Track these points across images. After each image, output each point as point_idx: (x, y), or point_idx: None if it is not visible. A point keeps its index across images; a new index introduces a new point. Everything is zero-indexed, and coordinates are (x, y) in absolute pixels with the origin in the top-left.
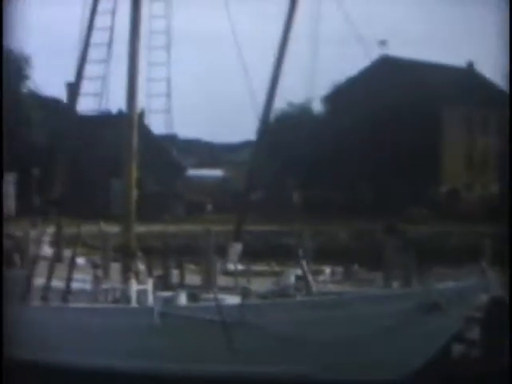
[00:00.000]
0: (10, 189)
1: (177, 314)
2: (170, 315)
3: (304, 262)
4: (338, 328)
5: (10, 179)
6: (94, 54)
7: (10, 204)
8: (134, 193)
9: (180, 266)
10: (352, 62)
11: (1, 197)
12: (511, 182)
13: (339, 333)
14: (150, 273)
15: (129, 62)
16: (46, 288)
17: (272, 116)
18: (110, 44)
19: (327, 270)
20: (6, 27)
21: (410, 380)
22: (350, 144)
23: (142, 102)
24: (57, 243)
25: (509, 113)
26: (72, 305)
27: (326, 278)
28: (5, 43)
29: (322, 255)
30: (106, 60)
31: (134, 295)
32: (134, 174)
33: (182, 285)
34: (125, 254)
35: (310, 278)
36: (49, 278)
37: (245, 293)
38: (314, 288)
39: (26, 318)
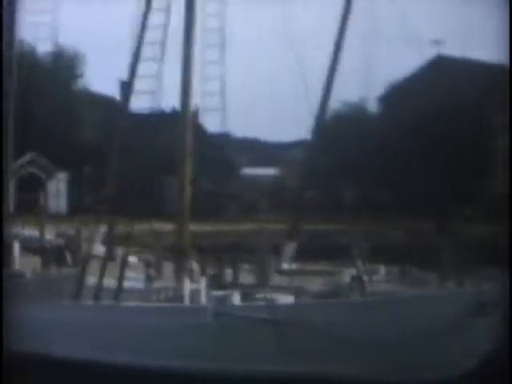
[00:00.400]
0: (62, 187)
1: (230, 313)
2: (223, 314)
3: (358, 262)
4: (391, 328)
5: (62, 178)
6: (147, 51)
7: (62, 203)
8: (188, 191)
9: (234, 265)
10: (407, 62)
11: (1, 196)
12: (511, 182)
13: (392, 333)
14: (203, 272)
15: (183, 60)
16: (98, 287)
17: (327, 114)
18: (163, 42)
19: (382, 269)
20: (53, 26)
21: (461, 381)
22: (404, 143)
23: (196, 100)
24: (109, 242)
25: (509, 112)
26: (124, 304)
27: (381, 278)
28: (54, 42)
29: (377, 255)
30: (160, 58)
31: (187, 294)
32: (188, 172)
33: (235, 284)
34: (178, 252)
35: (364, 277)
36: (101, 276)
37: (298, 292)
38: (368, 288)
39: (78, 317)
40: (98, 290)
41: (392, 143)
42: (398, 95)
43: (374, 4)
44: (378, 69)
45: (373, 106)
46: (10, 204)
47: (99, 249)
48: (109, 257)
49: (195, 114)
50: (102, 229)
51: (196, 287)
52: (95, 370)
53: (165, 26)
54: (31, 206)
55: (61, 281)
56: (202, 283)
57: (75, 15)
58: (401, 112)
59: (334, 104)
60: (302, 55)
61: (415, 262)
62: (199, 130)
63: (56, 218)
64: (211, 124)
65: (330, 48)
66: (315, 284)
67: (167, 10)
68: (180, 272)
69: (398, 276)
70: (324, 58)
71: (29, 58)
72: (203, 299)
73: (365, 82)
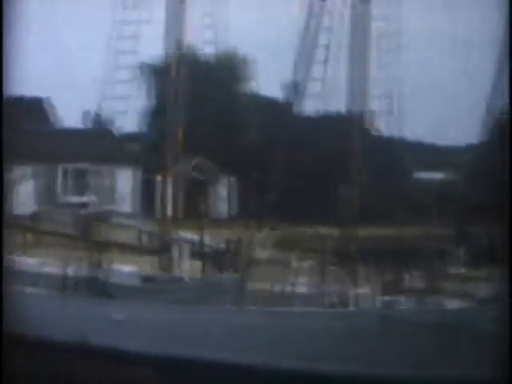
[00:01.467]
0: (225, 191)
1: (398, 317)
2: (390, 319)
3: None
4: None
5: (225, 181)
6: (317, 54)
7: (225, 207)
8: (356, 195)
9: (401, 270)
10: None
11: (1, 195)
12: (511, 183)
13: None
14: (370, 276)
15: (353, 63)
16: (259, 290)
17: (495, 117)
18: (332, 45)
19: None
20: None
21: None
22: None
23: (367, 103)
24: (273, 246)
25: (509, 114)
26: (288, 308)
27: None
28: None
29: None
30: (329, 61)
31: (353, 299)
32: (357, 175)
33: (403, 288)
34: (345, 257)
35: None
36: (261, 280)
37: (467, 297)
38: None
39: (240, 321)
40: (258, 294)
41: None
42: None
43: None
44: None
45: None
46: (173, 208)
47: (262, 253)
48: (272, 261)
49: (365, 117)
50: (266, 233)
51: (363, 292)
52: (258, 375)
53: (334, 29)
54: (194, 210)
55: (222, 285)
56: (370, 288)
57: (241, 17)
58: None
59: (502, 107)
60: (471, 57)
61: None
62: (369, 133)
63: (218, 222)
64: (381, 127)
65: (496, 49)
66: (483, 289)
67: (336, 13)
68: (347, 277)
69: None
70: (492, 59)
71: (194, 60)
72: (370, 304)
73: None
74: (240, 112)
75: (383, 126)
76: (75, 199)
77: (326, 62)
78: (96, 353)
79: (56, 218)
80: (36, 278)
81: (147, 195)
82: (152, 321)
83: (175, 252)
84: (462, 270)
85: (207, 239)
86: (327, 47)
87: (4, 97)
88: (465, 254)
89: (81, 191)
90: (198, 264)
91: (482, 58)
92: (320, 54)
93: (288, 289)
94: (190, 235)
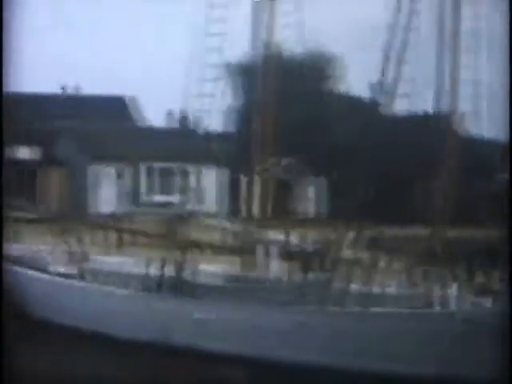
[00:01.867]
0: (311, 191)
1: (480, 319)
2: (473, 321)
3: None
4: None
5: (311, 181)
6: (402, 54)
7: (312, 207)
8: (446, 195)
9: (485, 271)
10: None
11: (0, 196)
12: (511, 182)
13: None
14: (454, 277)
15: (441, 62)
16: (346, 292)
17: None
18: (417, 45)
19: None
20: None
21: None
22: None
23: (454, 103)
24: (358, 246)
25: (509, 115)
26: (373, 309)
27: None
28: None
29: None
30: (414, 61)
31: (437, 300)
32: (448, 176)
33: (487, 290)
34: (430, 258)
35: None
36: (348, 282)
37: None
38: None
39: (327, 323)
40: (345, 295)
41: None
42: None
43: None
44: None
45: None
46: (259, 207)
47: (350, 254)
48: (360, 262)
49: (453, 117)
50: (352, 233)
51: (447, 293)
52: (344, 376)
53: (422, 28)
54: (281, 210)
55: (309, 286)
56: (453, 289)
57: (329, 16)
58: None
59: None
60: None
61: None
62: (457, 134)
63: (306, 222)
64: (469, 128)
65: None
66: None
67: (424, 12)
68: (431, 277)
69: None
70: None
71: (281, 60)
72: (458, 305)
73: None
74: (328, 112)
75: (471, 127)
76: (160, 199)
77: (413, 62)
78: (179, 352)
79: (140, 218)
80: (119, 278)
81: (233, 195)
82: (235, 321)
83: (261, 252)
84: None
85: (295, 239)
86: (415, 47)
87: (84, 96)
88: None
89: (165, 191)
90: (284, 264)
91: None
92: (408, 53)
93: (376, 290)
94: (277, 235)
